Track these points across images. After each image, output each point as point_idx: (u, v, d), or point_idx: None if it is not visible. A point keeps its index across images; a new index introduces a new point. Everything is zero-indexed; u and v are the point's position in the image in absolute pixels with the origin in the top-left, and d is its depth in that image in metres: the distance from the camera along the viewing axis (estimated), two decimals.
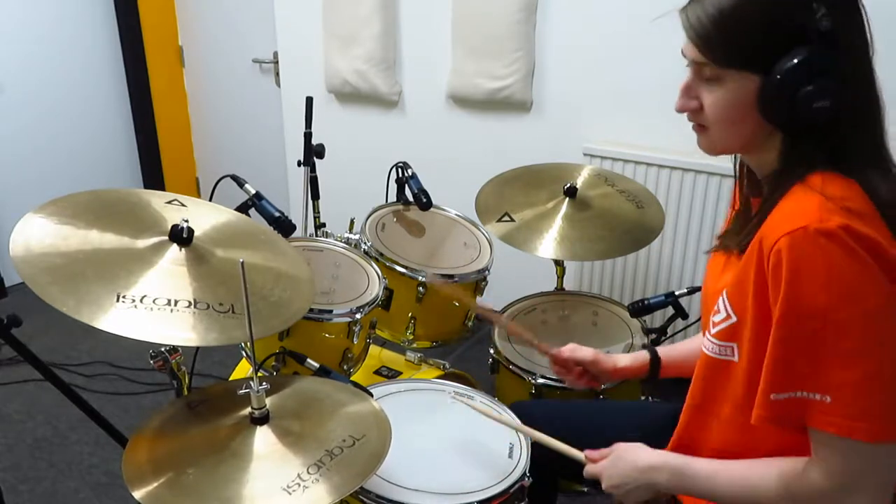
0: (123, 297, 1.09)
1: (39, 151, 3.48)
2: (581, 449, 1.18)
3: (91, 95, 3.63)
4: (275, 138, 3.50)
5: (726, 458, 1.02)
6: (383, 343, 2.03)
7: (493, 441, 1.36)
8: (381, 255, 1.84)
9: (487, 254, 2.01)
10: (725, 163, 2.30)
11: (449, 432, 1.39)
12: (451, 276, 1.89)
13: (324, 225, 2.16)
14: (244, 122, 3.73)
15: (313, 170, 2.16)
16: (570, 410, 1.47)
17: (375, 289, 1.73)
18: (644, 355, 1.37)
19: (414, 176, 1.98)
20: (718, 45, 0.90)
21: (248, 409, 1.10)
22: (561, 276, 2.19)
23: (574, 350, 1.38)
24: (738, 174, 1.10)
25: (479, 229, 2.07)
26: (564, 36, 2.49)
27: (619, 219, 1.97)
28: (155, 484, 1.00)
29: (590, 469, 1.14)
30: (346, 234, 1.93)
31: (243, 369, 1.93)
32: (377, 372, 1.95)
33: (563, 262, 2.17)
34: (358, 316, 1.64)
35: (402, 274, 1.83)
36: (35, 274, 1.07)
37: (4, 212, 3.34)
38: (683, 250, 2.42)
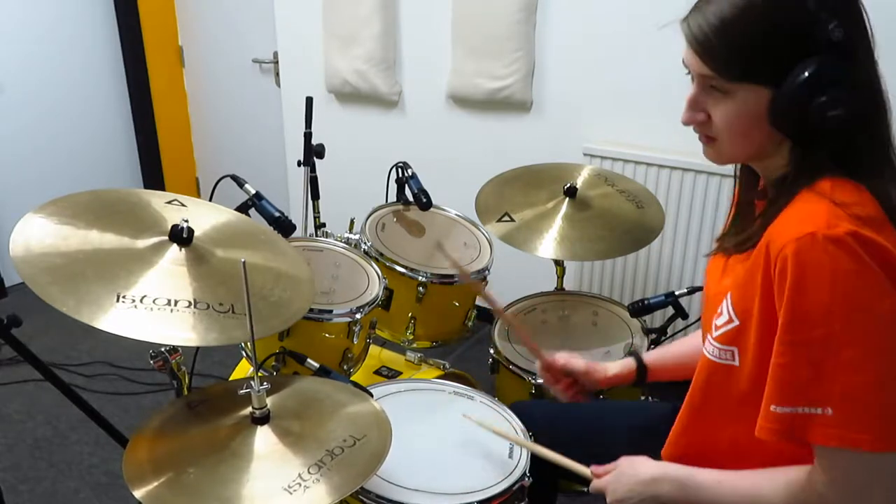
0: (123, 297, 1.09)
1: (39, 151, 3.48)
2: (584, 458, 1.19)
3: (91, 95, 3.63)
4: (275, 138, 3.50)
5: (725, 461, 1.01)
6: (383, 343, 2.03)
7: (493, 441, 1.36)
8: (381, 255, 1.84)
9: (487, 254, 2.01)
10: None
11: (449, 432, 1.39)
12: (451, 277, 1.89)
13: (324, 225, 2.16)
14: (244, 122, 3.73)
15: (313, 170, 2.16)
16: (569, 411, 1.47)
17: (375, 289, 1.73)
18: (630, 363, 1.36)
19: (414, 176, 1.98)
20: (725, 58, 0.89)
21: (249, 409, 1.10)
22: (561, 276, 2.19)
23: (568, 360, 1.37)
24: (737, 176, 1.09)
25: (479, 229, 2.07)
26: (564, 36, 2.49)
27: (619, 219, 1.97)
28: (155, 483, 1.00)
29: (595, 484, 1.14)
30: (346, 234, 1.92)
31: (243, 369, 1.93)
32: (377, 372, 1.95)
33: (563, 262, 2.17)
34: (358, 316, 1.64)
35: (402, 274, 1.83)
36: (35, 274, 1.07)
37: (4, 212, 3.34)
38: (683, 250, 2.42)
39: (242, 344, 1.69)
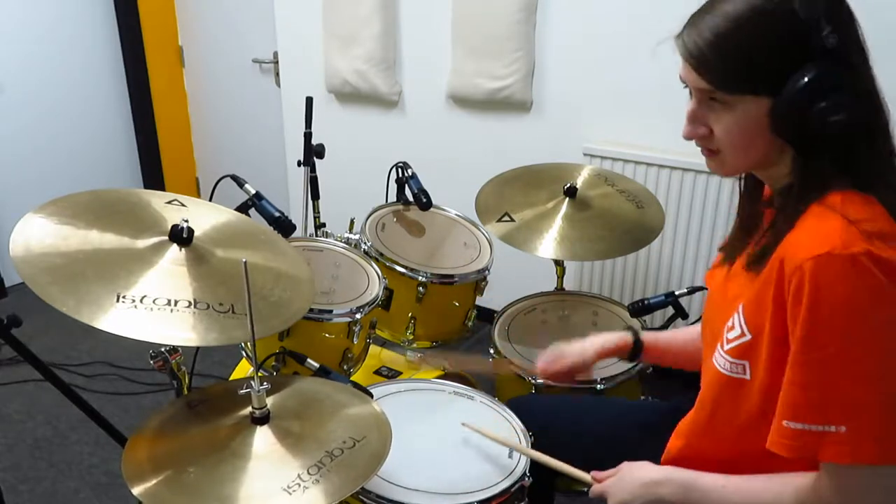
0: (123, 297, 1.09)
1: (39, 151, 3.48)
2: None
3: (91, 95, 3.63)
4: (275, 138, 3.50)
5: (733, 470, 1.01)
6: (383, 343, 2.03)
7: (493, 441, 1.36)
8: (381, 255, 1.84)
9: (487, 254, 2.01)
10: None
11: (449, 432, 1.39)
12: (451, 276, 1.89)
13: (324, 225, 2.16)
14: (244, 122, 3.73)
15: (313, 170, 2.16)
16: (567, 406, 1.47)
17: (375, 289, 1.73)
18: (626, 337, 1.35)
19: (414, 176, 1.98)
20: (722, 71, 0.90)
21: (249, 409, 1.10)
22: (561, 276, 2.19)
23: (555, 361, 1.37)
24: (742, 187, 1.09)
25: (479, 229, 2.07)
26: (564, 36, 2.49)
27: (619, 219, 1.97)
28: (154, 481, 1.00)
29: (596, 489, 1.13)
30: (346, 234, 1.92)
31: (243, 369, 1.93)
32: (377, 372, 1.95)
33: (563, 262, 2.17)
34: (358, 316, 1.64)
35: (402, 274, 1.83)
36: (35, 274, 1.07)
37: (4, 212, 3.34)
38: (683, 250, 2.42)
39: (242, 344, 1.69)
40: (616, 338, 1.36)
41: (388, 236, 1.93)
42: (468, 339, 2.08)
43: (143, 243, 1.21)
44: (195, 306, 1.14)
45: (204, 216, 1.35)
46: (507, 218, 1.96)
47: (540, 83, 2.60)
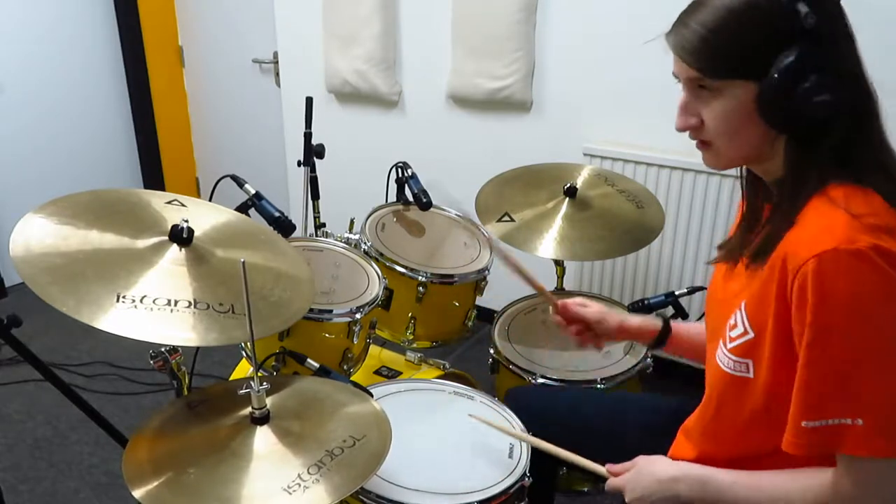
0: (123, 297, 1.09)
1: (39, 151, 3.48)
2: (582, 449, 1.18)
3: (91, 95, 3.63)
4: (275, 138, 3.50)
5: (739, 468, 1.01)
6: (383, 343, 2.03)
7: (493, 441, 1.36)
8: (381, 255, 1.84)
9: (487, 254, 2.01)
10: None
11: (449, 432, 1.39)
12: (451, 277, 1.89)
13: (324, 225, 2.16)
14: (244, 122, 3.73)
15: (313, 170, 2.16)
16: (567, 399, 1.46)
17: (375, 289, 1.73)
18: (654, 321, 1.34)
19: (414, 176, 1.98)
20: (709, 58, 0.91)
21: (249, 409, 1.10)
22: (561, 276, 2.19)
23: (581, 307, 1.36)
24: (743, 185, 1.09)
25: (479, 229, 2.07)
26: (564, 36, 2.49)
27: (619, 219, 1.97)
28: (155, 483, 1.00)
29: (612, 483, 1.13)
30: (346, 234, 1.92)
31: (243, 369, 1.93)
32: (377, 372, 1.95)
33: (563, 262, 2.17)
34: (358, 316, 1.64)
35: (402, 274, 1.83)
36: (35, 274, 1.07)
37: (4, 212, 3.34)
38: (683, 250, 2.42)
39: (242, 344, 1.69)
40: (640, 319, 1.35)
41: (388, 236, 1.93)
42: (468, 339, 2.08)
43: (143, 243, 1.21)
44: (195, 306, 1.14)
45: (204, 216, 1.35)
46: (507, 218, 1.96)
47: (540, 83, 2.60)
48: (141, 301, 1.10)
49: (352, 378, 1.59)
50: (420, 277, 1.83)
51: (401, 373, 1.95)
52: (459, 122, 2.83)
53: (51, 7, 3.37)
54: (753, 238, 1.00)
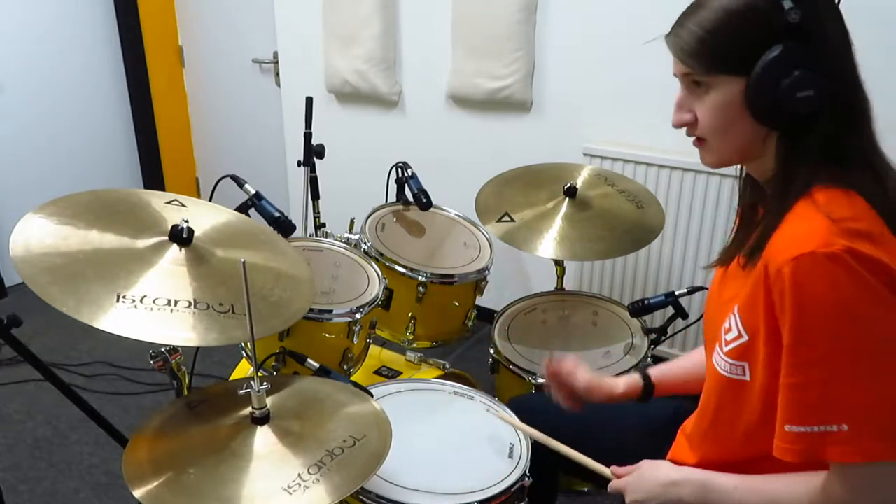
0: (123, 297, 1.09)
1: (39, 151, 3.48)
2: (588, 448, 1.18)
3: (91, 95, 3.63)
4: (275, 138, 3.50)
5: (739, 472, 1.01)
6: (383, 343, 2.04)
7: (494, 441, 1.36)
8: (381, 255, 1.84)
9: (487, 254, 2.01)
10: None
11: (449, 432, 1.39)
12: (451, 277, 1.89)
13: (324, 225, 2.16)
14: (244, 122, 3.73)
15: (313, 170, 2.16)
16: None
17: (375, 289, 1.73)
18: (636, 380, 1.32)
19: (414, 176, 1.98)
20: (701, 54, 0.93)
21: (249, 409, 1.10)
22: (561, 276, 2.19)
23: (571, 373, 1.32)
24: (741, 186, 1.09)
25: (479, 229, 2.07)
26: (564, 36, 2.49)
27: (619, 219, 1.97)
28: (155, 483, 1.00)
29: (615, 484, 1.13)
30: (346, 234, 1.93)
31: (243, 369, 1.93)
32: (377, 372, 1.96)
33: (563, 262, 2.17)
34: (358, 316, 1.64)
35: (402, 274, 1.83)
36: (35, 274, 1.07)
37: (4, 212, 3.34)
38: (683, 250, 2.42)
39: (242, 344, 1.69)
40: (623, 384, 1.32)
41: (388, 236, 1.93)
42: (468, 339, 2.09)
43: (143, 243, 1.21)
44: (195, 306, 1.14)
45: (204, 216, 1.35)
46: (507, 218, 1.96)
47: (540, 83, 2.60)
48: (141, 301, 1.10)
49: (352, 378, 1.59)
50: (420, 277, 1.83)
51: (401, 373, 1.95)
52: (459, 122, 2.83)
53: (51, 7, 3.37)
54: (749, 239, 1.00)
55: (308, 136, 2.14)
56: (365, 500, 1.20)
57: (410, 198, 1.98)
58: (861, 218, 0.88)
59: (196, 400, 1.21)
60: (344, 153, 3.07)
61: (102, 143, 3.73)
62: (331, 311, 1.61)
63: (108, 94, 3.70)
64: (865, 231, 0.86)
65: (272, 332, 1.24)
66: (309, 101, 2.11)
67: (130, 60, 3.68)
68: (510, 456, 1.32)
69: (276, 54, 3.33)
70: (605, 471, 1.17)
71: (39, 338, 2.87)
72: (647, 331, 1.96)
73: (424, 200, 1.94)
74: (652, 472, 1.09)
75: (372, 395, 1.25)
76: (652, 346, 1.92)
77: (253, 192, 1.70)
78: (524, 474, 1.28)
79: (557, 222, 1.93)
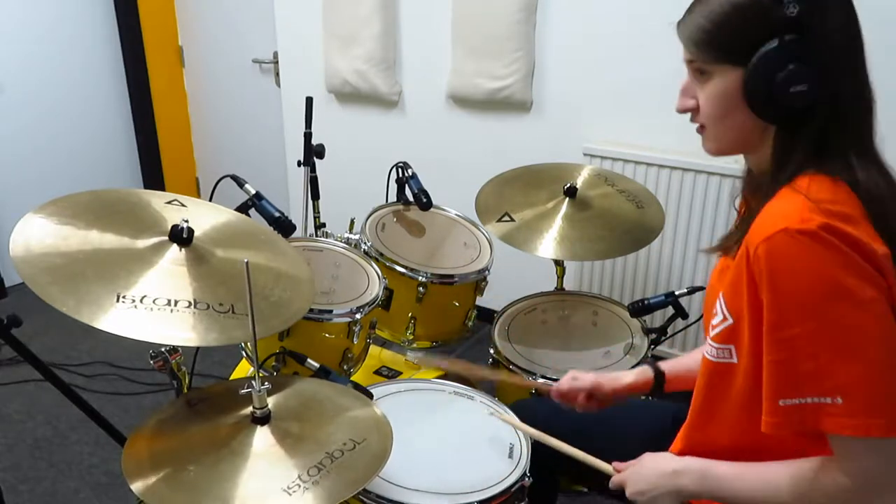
0: (123, 297, 1.09)
1: (39, 151, 3.48)
2: (590, 451, 1.18)
3: (91, 95, 3.63)
4: (275, 138, 3.50)
5: (738, 457, 1.01)
6: (383, 343, 2.03)
7: (494, 441, 1.36)
8: (381, 255, 1.84)
9: (487, 254, 2.01)
10: (725, 163, 2.30)
11: (449, 432, 1.39)
12: (451, 277, 1.89)
13: (324, 225, 2.16)
14: (244, 122, 3.73)
15: (313, 170, 2.16)
16: (571, 410, 1.47)
17: (375, 289, 1.73)
18: (647, 371, 1.35)
19: (414, 176, 1.98)
20: (705, 42, 0.95)
21: (249, 409, 1.10)
22: (561, 276, 2.19)
23: (572, 382, 1.34)
24: (742, 182, 1.10)
25: (479, 229, 2.07)
26: (564, 36, 2.49)
27: (619, 219, 1.97)
28: (154, 479, 1.00)
29: (616, 478, 1.13)
30: (346, 234, 1.93)
31: (243, 369, 1.93)
32: (377, 372, 1.96)
33: (563, 262, 2.17)
34: (358, 316, 1.64)
35: (402, 274, 1.83)
36: (35, 274, 1.07)
37: (4, 212, 3.34)
38: (683, 250, 2.42)
39: (242, 344, 1.69)
40: (632, 377, 1.34)
41: (388, 236, 1.93)
42: (468, 339, 2.09)
43: (143, 243, 1.21)
44: (195, 306, 1.14)
45: (204, 216, 1.35)
46: (507, 218, 1.96)
47: (540, 83, 2.60)
48: (141, 301, 1.10)
49: (352, 378, 1.59)
50: (420, 277, 1.83)
51: (401, 373, 1.95)
52: (459, 122, 2.83)
53: (51, 7, 3.37)
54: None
55: (308, 136, 2.14)
56: (365, 499, 1.20)
57: (410, 198, 1.98)
58: (842, 202, 0.88)
59: (196, 398, 1.21)
60: (344, 153, 3.07)
61: (102, 143, 3.73)
62: (331, 311, 1.61)
63: (108, 94, 3.70)
64: (844, 213, 0.86)
65: (272, 332, 1.24)
66: (309, 101, 2.11)
67: (130, 60, 3.68)
68: (510, 456, 1.32)
69: (276, 54, 3.33)
70: (606, 467, 1.17)
71: (39, 338, 2.87)
72: (647, 331, 1.96)
73: (424, 200, 1.94)
74: (653, 463, 1.09)
75: (372, 396, 1.25)
76: (652, 346, 1.92)
77: (253, 192, 1.70)
78: (524, 474, 1.28)
79: (557, 222, 1.93)
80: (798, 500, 0.93)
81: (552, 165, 2.18)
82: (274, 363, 1.58)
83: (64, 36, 3.45)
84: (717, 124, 0.99)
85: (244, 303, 1.04)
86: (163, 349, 1.29)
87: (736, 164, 2.18)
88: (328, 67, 3.03)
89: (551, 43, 2.53)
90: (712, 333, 1.01)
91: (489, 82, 2.62)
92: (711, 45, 0.94)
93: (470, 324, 2.02)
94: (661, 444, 1.16)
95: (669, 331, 1.99)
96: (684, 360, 1.36)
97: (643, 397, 1.86)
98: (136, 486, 0.98)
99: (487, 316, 2.13)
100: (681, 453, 1.13)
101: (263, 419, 1.10)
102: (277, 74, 3.36)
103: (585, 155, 2.49)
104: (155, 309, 1.10)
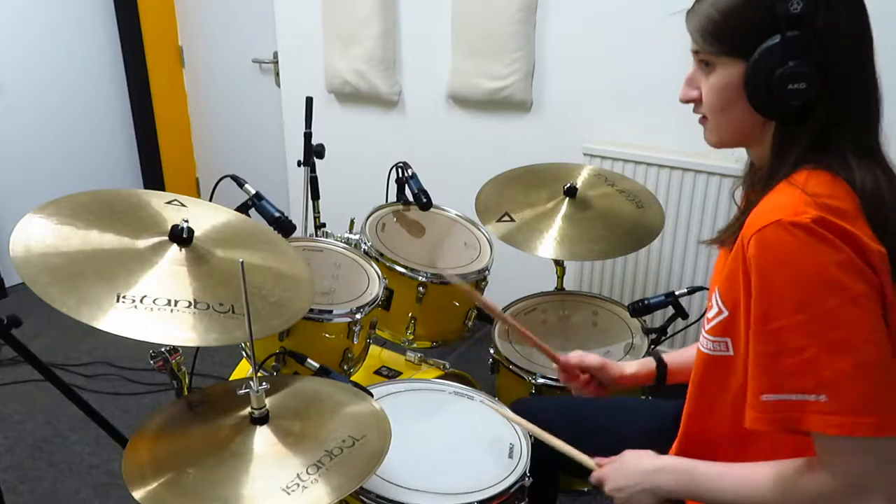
0: (123, 297, 1.09)
1: (39, 151, 3.48)
2: (588, 450, 1.19)
3: (91, 95, 3.63)
4: (275, 138, 3.50)
5: (729, 452, 1.01)
6: (383, 343, 2.04)
7: (493, 441, 1.36)
8: (381, 255, 1.84)
9: (487, 254, 2.01)
10: (725, 163, 2.30)
11: (449, 432, 1.39)
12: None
13: (324, 225, 2.16)
14: (244, 122, 3.73)
15: (313, 170, 2.16)
16: (570, 408, 1.47)
17: (375, 289, 1.73)
18: (650, 362, 1.36)
19: (414, 176, 1.98)
20: (710, 34, 0.95)
21: (249, 409, 1.10)
22: (561, 276, 2.19)
23: (581, 357, 1.37)
24: (744, 175, 1.10)
25: (479, 229, 2.07)
26: (564, 36, 2.49)
27: (619, 219, 1.97)
28: (155, 484, 1.00)
29: (596, 474, 1.14)
30: (346, 234, 1.93)
31: (243, 369, 1.93)
32: (377, 372, 1.96)
33: (563, 262, 2.17)
34: (358, 316, 1.64)
35: (402, 274, 1.83)
36: (35, 274, 1.07)
37: (4, 212, 3.34)
38: (683, 250, 2.42)
39: (242, 344, 1.69)
40: (636, 365, 1.36)
41: (388, 236, 1.93)
42: (468, 339, 2.09)
43: (143, 243, 1.21)
44: (195, 306, 1.14)
45: (204, 216, 1.35)
46: (507, 218, 1.96)
47: (540, 83, 2.60)
48: (141, 301, 1.10)
49: (352, 378, 1.59)
50: (420, 277, 1.83)
51: (401, 373, 1.95)
52: (459, 122, 2.83)
53: (51, 7, 3.37)
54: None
55: (308, 136, 2.14)
56: (365, 499, 1.20)
57: (410, 198, 1.98)
58: (838, 198, 0.88)
59: (196, 400, 1.21)
60: (344, 153, 3.07)
61: (102, 144, 3.74)
62: (331, 312, 1.61)
63: (108, 94, 3.70)
64: (840, 208, 0.86)
65: (272, 332, 1.25)
66: (309, 101, 2.11)
67: (130, 60, 3.68)
68: (510, 456, 1.32)
69: (276, 54, 3.33)
70: (589, 462, 1.17)
71: (39, 338, 2.87)
72: (647, 331, 1.96)
73: (424, 200, 1.94)
74: (634, 460, 1.10)
75: (372, 395, 1.25)
76: (652, 346, 1.92)
77: (253, 192, 1.70)
78: (524, 474, 1.28)
79: (557, 222, 1.93)
80: (789, 501, 0.92)
81: (552, 165, 2.18)
82: (274, 363, 1.58)
83: (64, 36, 3.45)
84: (717, 116, 0.99)
85: (243, 303, 1.04)
86: (163, 349, 1.29)
87: (736, 163, 2.18)
88: (328, 67, 3.03)
89: (551, 43, 2.53)
90: (707, 326, 1.01)
91: (489, 82, 2.63)
92: (716, 36, 0.94)
93: (470, 324, 2.02)
94: (662, 444, 1.16)
95: (669, 331, 1.99)
96: (687, 353, 1.36)
97: (643, 396, 1.87)
98: (138, 493, 0.98)
99: (487, 316, 2.14)
100: (680, 445, 1.13)
101: (262, 419, 1.10)
102: (277, 74, 3.36)
103: (585, 155, 2.49)
104: (155, 309, 1.10)
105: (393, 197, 2.07)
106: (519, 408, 1.44)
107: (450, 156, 2.88)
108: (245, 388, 1.09)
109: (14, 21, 3.26)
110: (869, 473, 0.86)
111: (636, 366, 1.37)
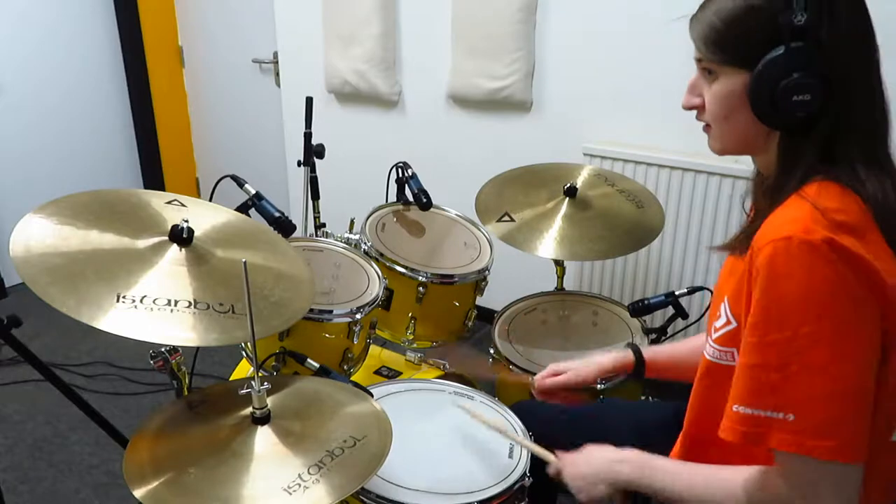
0: (123, 297, 1.09)
1: (39, 151, 3.48)
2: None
3: (91, 95, 3.63)
4: (275, 138, 3.50)
5: (730, 460, 1.01)
6: (383, 343, 2.03)
7: (493, 441, 1.36)
8: (381, 255, 1.84)
9: (487, 254, 2.01)
10: (725, 163, 2.30)
11: (449, 432, 1.39)
12: (451, 277, 1.89)
13: (324, 225, 2.16)
14: (244, 122, 3.73)
15: (313, 170, 2.16)
16: (570, 411, 1.47)
17: (375, 289, 1.73)
18: (628, 354, 1.39)
19: (414, 176, 1.98)
20: (713, 42, 0.94)
21: (249, 409, 1.10)
22: (561, 276, 2.19)
23: (545, 380, 1.41)
24: (753, 183, 1.10)
25: (479, 229, 2.07)
26: (564, 36, 2.49)
27: (619, 219, 1.97)
28: (155, 483, 1.00)
29: (554, 464, 1.16)
30: (346, 234, 1.93)
31: (243, 369, 1.93)
32: (377, 372, 1.95)
33: (563, 262, 2.17)
34: (358, 316, 1.64)
35: (402, 274, 1.83)
36: (35, 274, 1.07)
37: (4, 212, 3.34)
38: (683, 250, 2.42)
39: (243, 344, 1.69)
40: (612, 357, 1.40)
41: (388, 236, 1.93)
42: (468, 339, 2.08)
43: (143, 243, 1.21)
44: (195, 306, 1.14)
45: (204, 216, 1.35)
46: (507, 218, 1.96)
47: (540, 83, 2.60)
48: (141, 301, 1.10)
49: (352, 378, 1.59)
50: (420, 277, 1.83)
51: (401, 373, 1.95)
52: (459, 122, 2.83)
53: (51, 7, 3.37)
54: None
55: (308, 136, 2.14)
56: (365, 500, 1.20)
57: (410, 198, 1.98)
58: (849, 211, 0.87)
59: (196, 400, 1.21)
60: (344, 153, 3.07)
61: (102, 144, 3.74)
62: (331, 312, 1.61)
63: (108, 94, 3.70)
64: (850, 224, 0.86)
65: (272, 332, 1.24)
66: (309, 101, 2.11)
67: (130, 60, 3.69)
68: (510, 456, 1.32)
69: (276, 54, 3.33)
70: (549, 456, 1.19)
71: (39, 338, 2.87)
72: (647, 331, 1.96)
73: (424, 200, 1.94)
74: (595, 452, 1.12)
75: (372, 395, 1.25)
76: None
77: (253, 192, 1.70)
78: (524, 474, 1.28)
79: (557, 222, 1.93)
80: None
81: (552, 165, 2.18)
82: (274, 363, 1.58)
83: (64, 36, 3.45)
84: (720, 125, 0.99)
85: (244, 303, 1.04)
86: (163, 349, 1.29)
87: (737, 163, 2.18)
88: (328, 67, 3.03)
89: (551, 43, 2.53)
90: (715, 335, 1.00)
91: (489, 82, 2.63)
92: (719, 45, 0.94)
93: (470, 324, 2.02)
94: (662, 444, 1.16)
95: (669, 331, 1.99)
96: (666, 349, 1.39)
97: (643, 397, 1.86)
98: (139, 492, 0.98)
99: (487, 316, 2.13)
100: (683, 447, 1.13)
101: (263, 419, 1.10)
102: (277, 74, 3.36)
103: (585, 155, 2.49)
104: (155, 309, 1.10)
105: (393, 197, 2.07)
106: (520, 410, 1.44)
107: (450, 156, 2.88)
108: (247, 388, 1.09)
109: (14, 21, 3.26)
110: (822, 487, 0.87)
111: (611, 360, 1.40)
